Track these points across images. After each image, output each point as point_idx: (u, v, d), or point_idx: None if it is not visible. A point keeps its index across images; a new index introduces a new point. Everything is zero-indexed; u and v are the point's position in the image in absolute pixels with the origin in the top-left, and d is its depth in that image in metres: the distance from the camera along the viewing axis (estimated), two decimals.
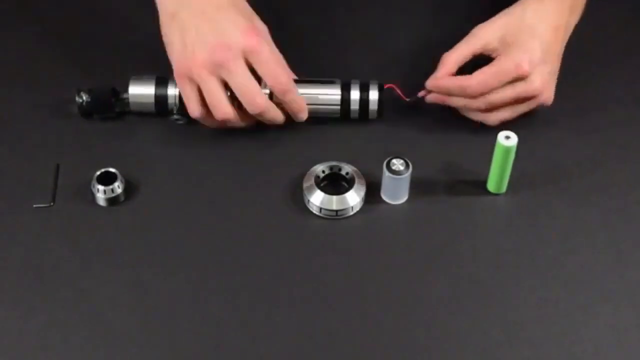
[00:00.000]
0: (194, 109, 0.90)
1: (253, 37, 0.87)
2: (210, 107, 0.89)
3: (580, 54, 1.01)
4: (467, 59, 0.93)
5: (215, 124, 0.92)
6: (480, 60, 0.93)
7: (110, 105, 0.95)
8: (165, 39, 0.91)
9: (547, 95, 0.92)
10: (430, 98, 0.94)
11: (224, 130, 0.93)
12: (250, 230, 0.87)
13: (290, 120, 0.93)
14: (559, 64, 0.94)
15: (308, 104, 0.93)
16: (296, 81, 0.92)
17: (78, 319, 0.80)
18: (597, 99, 1.00)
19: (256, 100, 0.88)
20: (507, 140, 0.85)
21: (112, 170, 0.88)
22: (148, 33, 0.93)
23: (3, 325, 0.80)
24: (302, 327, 0.80)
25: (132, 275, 0.83)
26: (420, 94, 0.95)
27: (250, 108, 0.89)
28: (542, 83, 0.91)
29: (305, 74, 0.94)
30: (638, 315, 0.81)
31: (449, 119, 0.96)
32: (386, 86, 0.94)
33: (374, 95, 0.94)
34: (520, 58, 0.89)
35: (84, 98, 0.94)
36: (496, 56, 0.92)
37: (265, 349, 0.79)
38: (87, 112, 0.95)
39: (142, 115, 0.96)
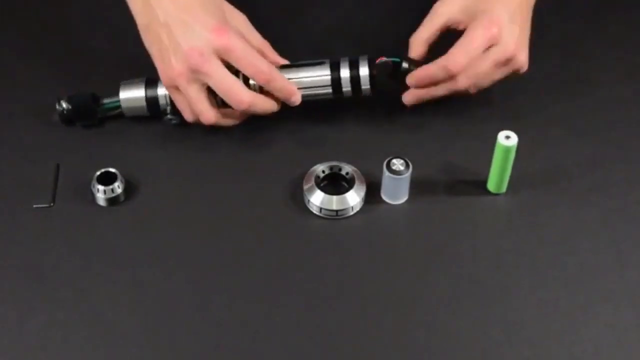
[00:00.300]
0: (188, 116, 0.91)
1: (223, 36, 0.86)
2: (197, 115, 0.89)
3: (580, 54, 1.02)
4: (435, 37, 0.93)
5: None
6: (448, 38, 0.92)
7: (91, 112, 0.94)
8: (147, 48, 0.90)
9: (522, 59, 0.91)
10: (410, 99, 0.94)
11: (224, 131, 0.94)
12: (250, 230, 0.87)
13: (285, 106, 0.92)
14: (529, 26, 0.93)
15: (298, 89, 0.91)
16: (283, 66, 0.92)
17: (78, 318, 0.80)
18: (597, 99, 1.00)
19: (240, 97, 0.88)
20: (507, 140, 0.85)
21: (112, 170, 0.88)
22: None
23: (3, 325, 0.80)
24: (302, 327, 0.80)
25: (132, 275, 0.83)
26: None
27: (237, 106, 0.88)
28: (516, 44, 0.90)
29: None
30: (638, 315, 0.81)
31: (449, 119, 0.96)
32: (377, 60, 0.92)
33: (364, 71, 0.92)
34: (487, 21, 0.89)
35: (64, 106, 0.94)
36: (463, 28, 0.91)
37: (265, 348, 0.79)
38: (68, 119, 0.94)
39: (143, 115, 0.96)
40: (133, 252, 0.85)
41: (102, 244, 0.86)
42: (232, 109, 0.89)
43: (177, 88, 0.89)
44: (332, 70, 0.92)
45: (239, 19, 0.93)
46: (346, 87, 0.92)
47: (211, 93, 0.89)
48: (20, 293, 0.82)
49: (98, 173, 0.88)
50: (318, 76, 0.92)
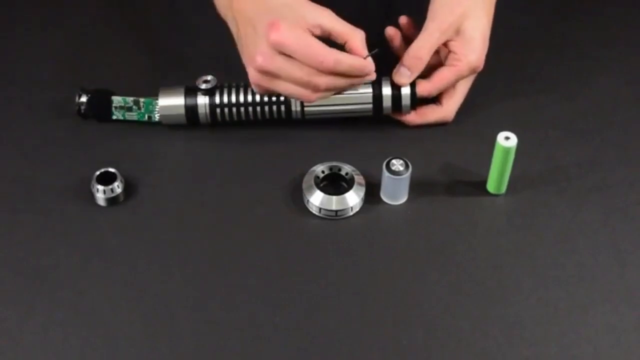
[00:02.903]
0: (300, 92, 0.89)
1: (276, 30, 0.85)
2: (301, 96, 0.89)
3: (580, 54, 1.02)
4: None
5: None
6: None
7: (108, 112, 0.94)
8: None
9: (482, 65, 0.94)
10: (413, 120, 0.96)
11: (224, 131, 0.94)
12: (250, 230, 0.87)
13: None
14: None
15: (339, 105, 0.93)
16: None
17: (77, 318, 0.80)
18: (597, 99, 1.00)
19: (313, 83, 0.87)
20: (507, 141, 0.85)
21: (112, 170, 0.88)
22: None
23: (3, 325, 0.80)
24: (302, 327, 0.80)
25: (131, 275, 0.83)
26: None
27: (314, 91, 0.88)
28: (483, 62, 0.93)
29: None
30: (637, 315, 0.81)
31: None
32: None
33: (405, 89, 0.93)
34: (476, 61, 0.92)
35: (84, 100, 0.94)
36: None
37: (264, 348, 0.79)
38: (84, 114, 0.94)
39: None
40: (132, 252, 0.85)
41: (102, 244, 0.86)
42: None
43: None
44: (373, 87, 0.93)
45: (324, 14, 0.89)
46: (387, 104, 0.93)
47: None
48: (19, 293, 0.82)
49: (98, 173, 0.88)
50: (359, 93, 0.93)
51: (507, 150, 0.85)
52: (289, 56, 0.86)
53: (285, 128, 0.95)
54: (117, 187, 0.88)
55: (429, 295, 0.82)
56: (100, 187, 0.88)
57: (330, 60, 0.86)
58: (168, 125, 0.95)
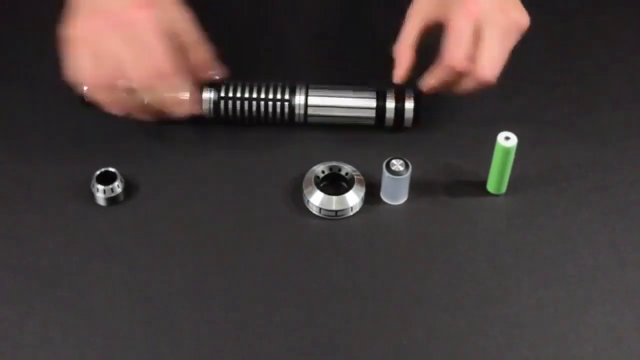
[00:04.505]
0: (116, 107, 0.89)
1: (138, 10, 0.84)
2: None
3: (580, 54, 1.02)
4: (418, 39, 0.90)
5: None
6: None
7: None
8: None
9: (516, 15, 0.88)
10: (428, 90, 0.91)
11: (224, 131, 0.94)
12: (250, 230, 0.87)
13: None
14: None
15: (342, 115, 0.94)
16: (329, 89, 0.94)
17: (77, 318, 0.80)
18: (597, 99, 1.00)
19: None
20: (507, 141, 0.85)
21: (112, 170, 0.88)
22: None
23: (3, 325, 0.80)
24: (302, 327, 0.80)
25: (131, 275, 0.83)
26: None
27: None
28: (500, 7, 0.87)
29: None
30: (637, 315, 0.81)
31: (449, 119, 0.96)
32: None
33: (409, 104, 0.93)
34: (464, 8, 0.86)
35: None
36: (444, 19, 0.88)
37: (264, 349, 0.79)
38: (88, 102, 0.94)
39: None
40: (132, 252, 0.85)
41: (102, 244, 0.86)
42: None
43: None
44: (377, 99, 0.94)
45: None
46: (390, 116, 0.94)
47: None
48: (19, 292, 0.82)
49: (98, 173, 0.88)
50: (362, 103, 0.94)
51: (507, 150, 0.85)
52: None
53: (285, 129, 0.95)
54: (117, 187, 0.88)
55: (429, 295, 0.82)
56: (100, 187, 0.88)
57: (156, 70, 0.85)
58: (168, 124, 0.95)
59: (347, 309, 0.81)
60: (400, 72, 0.91)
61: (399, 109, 0.93)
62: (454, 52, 0.87)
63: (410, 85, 0.92)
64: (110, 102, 0.88)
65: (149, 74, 0.85)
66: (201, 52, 0.91)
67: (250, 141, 0.95)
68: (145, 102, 0.88)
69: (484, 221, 0.89)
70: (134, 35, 0.84)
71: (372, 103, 0.94)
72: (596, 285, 0.83)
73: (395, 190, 0.89)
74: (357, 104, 0.94)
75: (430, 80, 0.90)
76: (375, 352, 0.79)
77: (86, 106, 0.94)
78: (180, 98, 0.89)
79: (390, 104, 0.93)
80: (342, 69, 1.02)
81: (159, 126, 0.95)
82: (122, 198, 0.89)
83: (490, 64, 0.87)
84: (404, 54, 0.91)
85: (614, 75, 1.02)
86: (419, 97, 0.93)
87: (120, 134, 0.95)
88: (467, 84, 0.89)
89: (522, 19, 0.88)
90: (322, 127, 0.95)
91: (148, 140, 0.95)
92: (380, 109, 0.94)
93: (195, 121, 0.94)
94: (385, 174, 0.87)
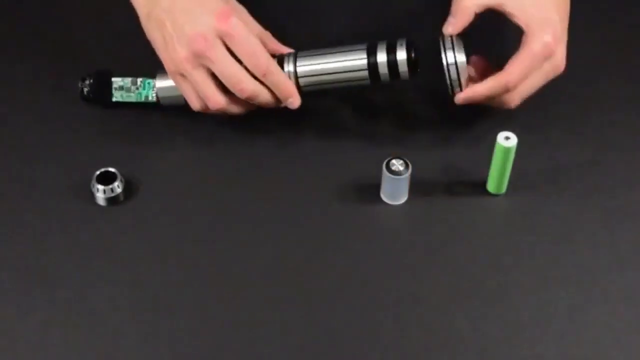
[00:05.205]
0: (195, 104, 0.90)
1: (226, 21, 0.86)
2: (203, 100, 0.89)
3: (580, 54, 1.01)
4: (480, 11, 0.89)
5: (220, 113, 0.91)
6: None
7: (109, 93, 0.95)
8: (148, 37, 0.90)
9: (563, 66, 0.90)
10: (462, 101, 0.91)
11: (224, 131, 0.94)
12: (250, 230, 0.87)
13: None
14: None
15: (333, 73, 0.90)
16: (314, 51, 0.91)
17: (77, 318, 0.80)
18: (597, 99, 1.00)
19: (242, 85, 0.87)
20: (507, 141, 0.85)
21: (112, 170, 0.88)
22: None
23: (3, 325, 0.80)
24: (302, 328, 0.80)
25: (131, 275, 0.83)
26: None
27: (238, 94, 0.88)
28: (563, 57, 0.89)
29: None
30: (637, 315, 0.81)
31: (449, 119, 0.96)
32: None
33: (401, 55, 0.89)
34: (546, 35, 0.87)
35: (87, 83, 0.95)
36: (506, 13, 0.89)
37: (264, 349, 0.79)
38: (86, 96, 0.95)
39: (143, 115, 0.96)
40: (132, 252, 0.85)
41: (102, 244, 0.86)
42: (235, 97, 0.89)
43: (182, 75, 0.88)
44: (368, 54, 0.90)
45: (239, 9, 0.92)
46: (383, 71, 0.90)
47: (217, 79, 0.89)
48: (19, 292, 0.82)
49: (98, 173, 0.88)
50: (352, 61, 0.90)
51: (507, 150, 0.85)
52: (227, 49, 0.87)
53: (285, 128, 0.95)
54: (117, 187, 0.88)
55: (429, 295, 0.82)
56: (100, 187, 0.88)
57: (264, 65, 0.87)
58: (168, 125, 0.95)
59: (346, 309, 0.81)
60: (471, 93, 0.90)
61: (392, 61, 0.89)
62: (516, 76, 0.88)
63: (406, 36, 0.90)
64: (240, 112, 0.91)
65: (261, 72, 0.87)
66: (269, 42, 0.93)
67: (250, 141, 0.94)
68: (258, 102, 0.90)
69: (484, 221, 0.89)
70: (236, 43, 0.86)
71: (363, 57, 0.89)
72: (596, 285, 0.83)
73: (395, 190, 0.89)
74: (347, 60, 0.90)
75: (479, 89, 0.89)
76: (375, 352, 0.79)
77: (85, 100, 0.95)
78: (290, 89, 0.90)
79: (382, 58, 0.89)
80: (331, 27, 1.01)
81: (160, 126, 0.95)
82: (122, 198, 0.89)
83: (521, 98, 0.90)
84: (464, 16, 0.88)
85: (614, 75, 1.02)
86: (411, 45, 0.89)
87: (120, 134, 0.95)
88: (491, 102, 0.91)
89: (562, 66, 0.90)
90: (321, 126, 0.95)
91: (148, 140, 0.95)
92: (373, 64, 0.89)
93: (196, 121, 0.94)
94: (385, 173, 0.87)
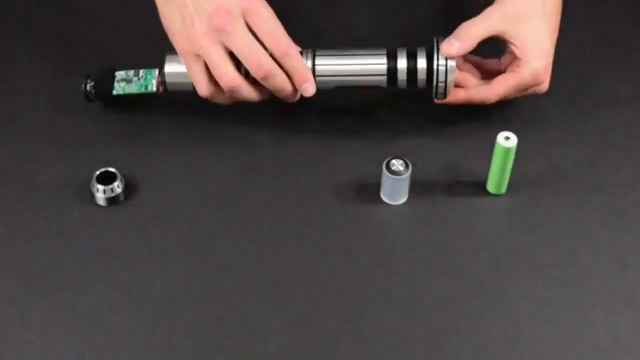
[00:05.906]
0: (203, 88, 0.89)
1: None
2: (216, 78, 0.88)
3: (580, 54, 1.02)
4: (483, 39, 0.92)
5: (227, 100, 0.91)
6: None
7: (112, 86, 0.94)
8: (164, 23, 0.89)
9: (546, 89, 0.94)
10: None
11: (224, 131, 0.94)
12: (250, 230, 0.87)
13: (290, 105, 0.91)
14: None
15: (350, 75, 0.90)
16: (332, 51, 0.91)
17: (77, 318, 0.80)
18: (597, 99, 1.00)
19: (260, 62, 0.86)
20: (507, 141, 0.85)
21: (112, 170, 0.89)
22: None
23: (3, 324, 0.80)
24: (302, 328, 0.80)
25: (131, 275, 0.83)
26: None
27: (255, 70, 0.87)
28: (547, 82, 0.92)
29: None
30: (637, 316, 0.81)
31: (449, 119, 0.96)
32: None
33: (422, 63, 0.90)
34: (538, 65, 0.90)
35: (89, 82, 0.94)
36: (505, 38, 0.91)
37: (264, 349, 0.79)
38: (88, 94, 0.94)
39: (143, 115, 0.96)
40: (132, 252, 0.85)
41: (102, 244, 0.86)
42: (249, 80, 0.88)
43: (194, 55, 0.87)
44: (388, 59, 0.90)
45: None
46: (402, 77, 0.90)
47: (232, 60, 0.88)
48: (19, 292, 0.82)
49: (97, 172, 0.88)
50: (373, 64, 0.90)
51: (507, 150, 0.85)
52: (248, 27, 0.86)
53: (284, 128, 0.95)
54: (117, 187, 0.88)
55: (429, 295, 0.82)
56: (100, 187, 0.88)
57: (285, 46, 0.87)
58: (168, 125, 0.95)
59: (346, 309, 0.81)
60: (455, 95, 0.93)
61: (412, 69, 0.90)
62: (498, 94, 0.92)
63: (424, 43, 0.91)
64: (254, 98, 0.90)
65: (281, 53, 0.87)
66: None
67: (249, 141, 0.94)
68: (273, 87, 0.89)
69: (484, 221, 0.89)
70: (260, 22, 0.86)
71: (383, 66, 0.90)
72: (596, 285, 0.83)
73: (395, 190, 0.89)
74: (367, 67, 0.90)
75: (461, 96, 0.93)
76: (376, 352, 0.79)
77: (88, 100, 0.94)
78: (307, 74, 0.89)
79: (402, 64, 0.90)
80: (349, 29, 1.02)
81: (160, 126, 0.95)
82: (122, 198, 0.89)
83: (495, 100, 0.93)
84: (471, 42, 0.90)
85: (614, 75, 1.02)
86: (431, 56, 0.90)
87: (120, 134, 0.95)
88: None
89: (546, 89, 0.93)
90: (321, 126, 0.95)
91: (148, 140, 0.95)
92: (392, 69, 0.90)
93: (196, 121, 0.94)
94: (385, 173, 0.87)
